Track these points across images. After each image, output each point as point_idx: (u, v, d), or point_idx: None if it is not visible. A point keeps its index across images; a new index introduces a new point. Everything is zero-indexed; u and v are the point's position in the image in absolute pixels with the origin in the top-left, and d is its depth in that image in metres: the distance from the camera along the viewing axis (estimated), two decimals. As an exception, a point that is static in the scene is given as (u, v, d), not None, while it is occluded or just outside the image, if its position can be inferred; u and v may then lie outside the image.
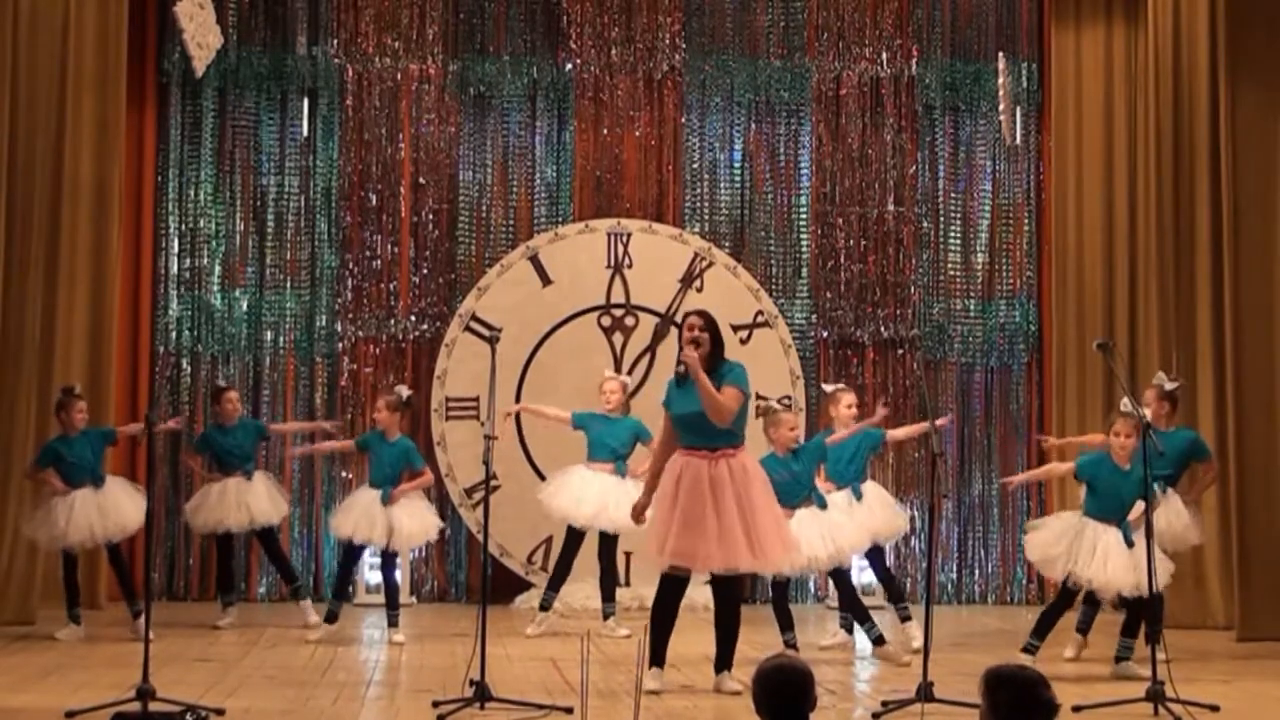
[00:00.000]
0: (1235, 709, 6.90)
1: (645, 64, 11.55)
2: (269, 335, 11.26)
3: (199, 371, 11.14)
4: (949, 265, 11.73)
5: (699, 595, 8.27)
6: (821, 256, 11.59)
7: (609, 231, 11.13)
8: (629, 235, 11.12)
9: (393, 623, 8.95)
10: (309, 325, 11.28)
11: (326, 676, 7.64)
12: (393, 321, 11.28)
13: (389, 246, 11.34)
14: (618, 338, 11.05)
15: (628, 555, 9.82)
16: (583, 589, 9.79)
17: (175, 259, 11.21)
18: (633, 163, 11.53)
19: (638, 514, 7.40)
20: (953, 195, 11.76)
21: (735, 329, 10.67)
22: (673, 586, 7.21)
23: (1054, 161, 11.39)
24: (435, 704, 6.59)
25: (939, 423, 8.14)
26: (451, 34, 11.49)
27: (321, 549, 11.04)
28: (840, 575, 8.40)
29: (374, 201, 11.35)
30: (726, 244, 11.44)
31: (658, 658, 7.16)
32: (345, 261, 11.31)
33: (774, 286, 11.45)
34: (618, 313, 11.08)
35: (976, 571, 11.54)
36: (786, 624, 8.19)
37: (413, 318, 11.30)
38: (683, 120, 11.59)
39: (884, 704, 6.64)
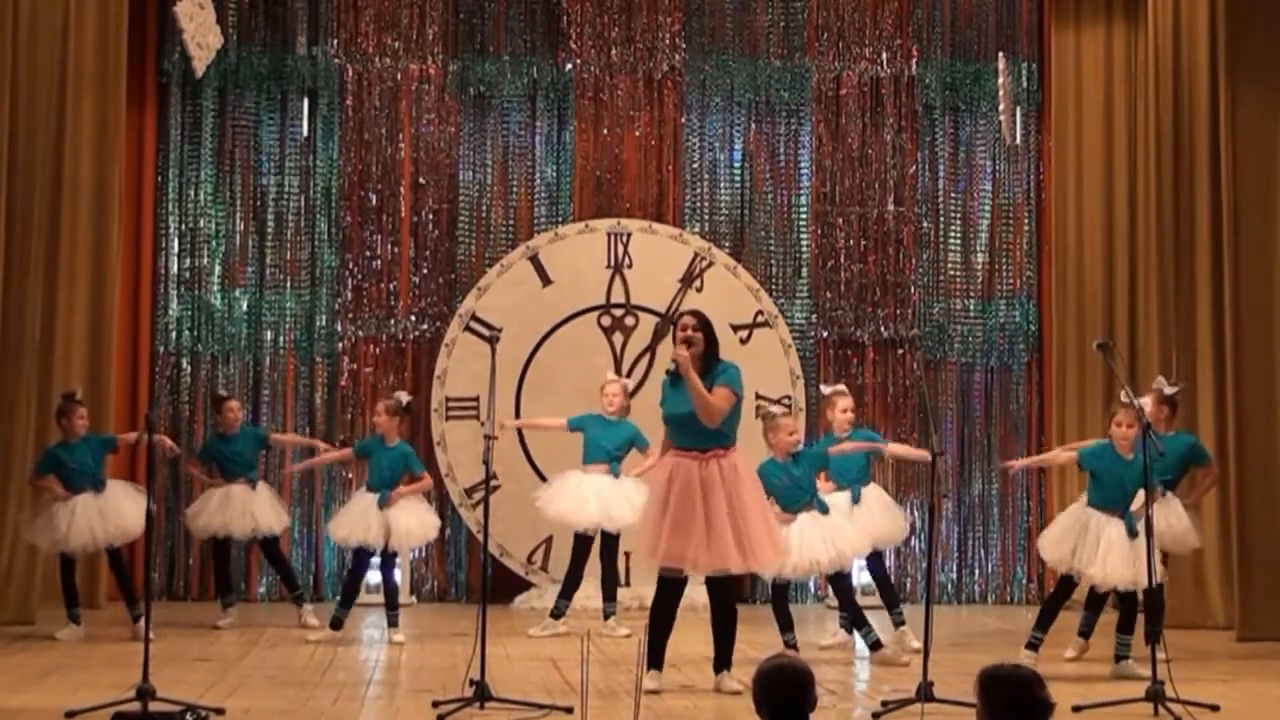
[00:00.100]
0: (1235, 709, 6.89)
1: (645, 64, 11.55)
2: (269, 335, 11.25)
3: (199, 371, 11.14)
4: (949, 265, 11.73)
5: (699, 595, 8.24)
6: (821, 256, 11.59)
7: (609, 231, 11.13)
8: (629, 235, 11.12)
9: (392, 623, 8.94)
10: (309, 325, 11.28)
11: (326, 676, 7.64)
12: (393, 321, 11.27)
13: (389, 246, 11.34)
14: (618, 338, 11.05)
15: (628, 555, 9.82)
16: (583, 589, 9.77)
17: (175, 259, 11.21)
18: (633, 163, 11.52)
19: None
20: (953, 195, 11.76)
21: (735, 329, 10.69)
22: (670, 589, 7.22)
23: (1054, 161, 11.40)
24: (435, 704, 6.59)
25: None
26: (451, 34, 11.49)
27: (321, 550, 11.03)
28: (840, 579, 8.41)
29: (374, 201, 11.35)
30: (726, 244, 11.44)
31: (656, 660, 7.15)
32: (345, 261, 11.31)
33: (774, 286, 11.45)
34: (618, 313, 11.08)
35: (976, 571, 11.55)
36: (786, 625, 8.20)
37: (413, 318, 11.29)
38: (683, 120, 11.59)
39: (884, 704, 6.64)
